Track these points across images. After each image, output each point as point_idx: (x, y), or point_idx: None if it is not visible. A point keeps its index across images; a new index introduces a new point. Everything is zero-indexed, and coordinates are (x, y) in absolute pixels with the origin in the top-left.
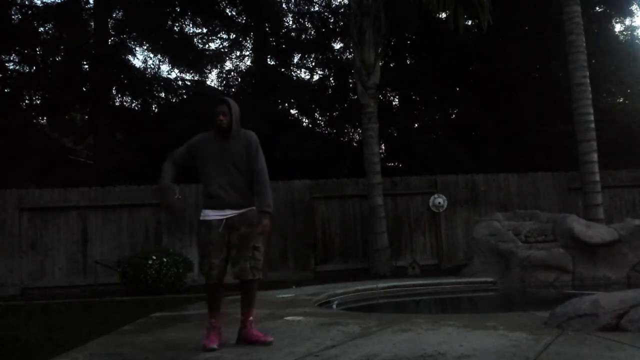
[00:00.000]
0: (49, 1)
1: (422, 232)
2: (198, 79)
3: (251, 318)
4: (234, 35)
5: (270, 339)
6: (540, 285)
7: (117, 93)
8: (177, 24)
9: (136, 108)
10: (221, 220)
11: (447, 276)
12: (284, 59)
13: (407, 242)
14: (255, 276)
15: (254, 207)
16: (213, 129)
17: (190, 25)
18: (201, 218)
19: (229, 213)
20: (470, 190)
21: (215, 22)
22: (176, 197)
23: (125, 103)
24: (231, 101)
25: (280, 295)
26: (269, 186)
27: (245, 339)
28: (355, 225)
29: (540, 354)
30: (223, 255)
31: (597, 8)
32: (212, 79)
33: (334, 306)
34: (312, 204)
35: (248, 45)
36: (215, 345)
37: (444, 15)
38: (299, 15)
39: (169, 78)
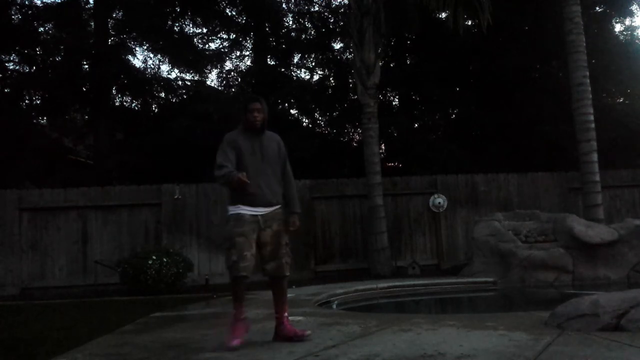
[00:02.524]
0: (49, 1)
1: (422, 232)
2: (198, 79)
3: (286, 314)
4: (234, 35)
5: (308, 332)
6: (540, 285)
7: (117, 93)
8: (177, 24)
9: (136, 108)
10: (255, 216)
11: (447, 276)
12: (284, 59)
13: (407, 242)
14: (289, 272)
15: (280, 206)
16: (242, 126)
17: (190, 25)
18: (232, 212)
19: (262, 210)
20: (470, 190)
21: (215, 22)
22: (176, 197)
23: (125, 103)
24: (262, 99)
25: None
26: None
27: (282, 336)
28: (355, 225)
29: (540, 354)
30: (253, 251)
31: (597, 8)
32: (212, 79)
33: (334, 306)
34: (312, 204)
35: (248, 45)
36: (238, 344)
37: (443, 15)
38: (299, 15)
39: (169, 78)
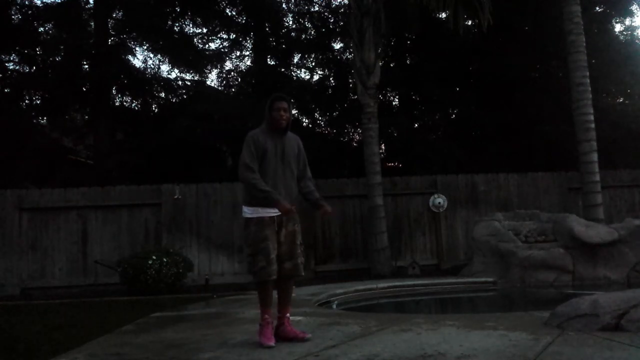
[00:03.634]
0: (49, 1)
1: (422, 232)
2: (198, 79)
3: (288, 314)
4: (234, 35)
5: (309, 335)
6: (540, 285)
7: (117, 93)
8: (177, 24)
9: (136, 108)
10: (273, 217)
11: (447, 276)
12: (284, 59)
13: (407, 242)
14: (303, 272)
15: (295, 206)
16: (265, 125)
17: (190, 25)
18: (250, 215)
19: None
20: (470, 190)
21: (215, 22)
22: (176, 197)
23: (125, 103)
24: (289, 98)
25: None
26: None
27: (283, 336)
28: (355, 225)
29: (540, 354)
30: (276, 252)
31: (597, 8)
32: (212, 79)
33: (334, 306)
34: None
35: (248, 45)
36: (274, 343)
37: (443, 15)
38: (299, 15)
39: (169, 78)
